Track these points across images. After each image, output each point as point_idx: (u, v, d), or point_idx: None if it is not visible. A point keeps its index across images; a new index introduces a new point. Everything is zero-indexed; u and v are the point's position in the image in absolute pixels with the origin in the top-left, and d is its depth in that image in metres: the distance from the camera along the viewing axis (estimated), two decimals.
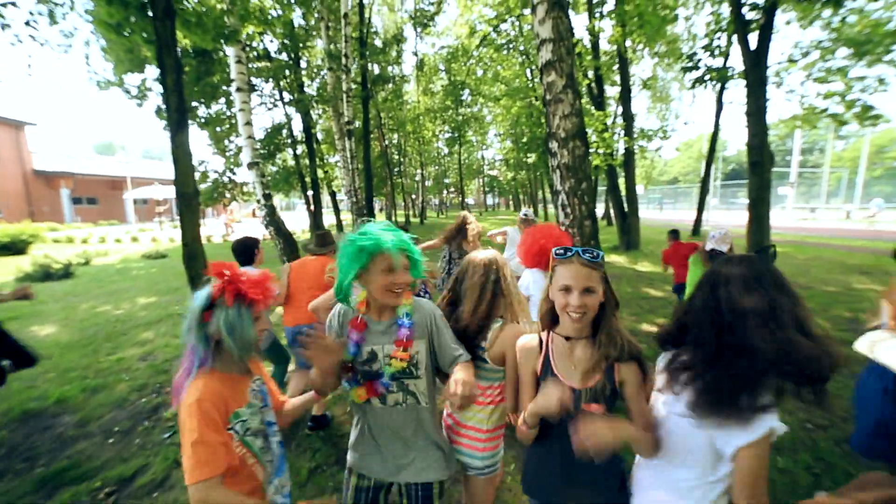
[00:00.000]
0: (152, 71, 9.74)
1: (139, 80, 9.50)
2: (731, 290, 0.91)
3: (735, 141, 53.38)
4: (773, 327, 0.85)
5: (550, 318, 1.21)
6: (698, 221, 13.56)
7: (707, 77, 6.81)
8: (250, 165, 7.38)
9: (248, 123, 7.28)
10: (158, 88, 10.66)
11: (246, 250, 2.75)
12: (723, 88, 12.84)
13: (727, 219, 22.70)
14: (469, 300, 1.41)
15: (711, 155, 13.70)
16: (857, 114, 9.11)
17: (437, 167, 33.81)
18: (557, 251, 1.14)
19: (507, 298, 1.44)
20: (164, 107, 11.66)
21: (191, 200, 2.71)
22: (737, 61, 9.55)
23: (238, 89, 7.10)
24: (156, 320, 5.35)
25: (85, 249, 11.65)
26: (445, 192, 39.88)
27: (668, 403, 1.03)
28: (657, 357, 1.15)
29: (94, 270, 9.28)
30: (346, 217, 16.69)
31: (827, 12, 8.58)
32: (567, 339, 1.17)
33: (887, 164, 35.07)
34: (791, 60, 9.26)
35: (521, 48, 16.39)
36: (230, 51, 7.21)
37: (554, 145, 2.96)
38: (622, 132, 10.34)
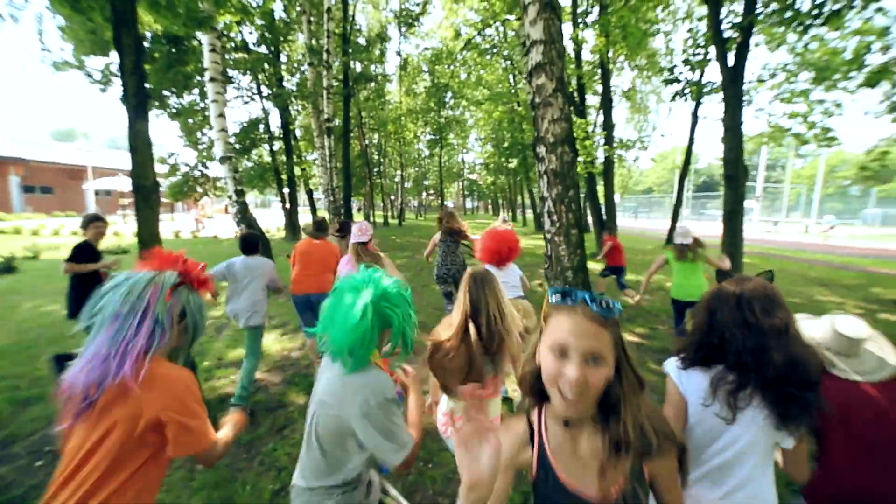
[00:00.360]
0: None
1: (103, 64, 8.94)
2: (755, 311, 1.07)
3: (706, 154, 55.92)
4: (792, 342, 1.03)
5: (537, 390, 0.82)
6: (672, 231, 13.94)
7: (687, 90, 6.98)
8: (223, 160, 7.01)
9: (222, 115, 6.92)
10: None
11: (249, 244, 3.20)
12: (698, 104, 13.31)
13: (698, 228, 23.54)
14: (504, 315, 1.65)
15: (686, 167, 14.15)
16: (817, 135, 9.73)
17: (416, 169, 33.63)
18: (555, 293, 0.78)
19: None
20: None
21: (149, 194, 2.46)
22: (713, 76, 9.93)
23: (211, 79, 6.73)
24: None
25: (35, 242, 10.78)
26: (425, 193, 39.70)
27: (737, 423, 1.07)
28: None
29: (43, 265, 8.57)
30: (323, 216, 16.29)
31: (792, 37, 9.11)
32: (566, 423, 0.82)
33: (838, 184, 37.72)
34: (760, 80, 9.75)
35: (506, 53, 16.51)
36: (204, 38, 6.84)
37: (542, 150, 2.88)
38: (602, 140, 10.52)
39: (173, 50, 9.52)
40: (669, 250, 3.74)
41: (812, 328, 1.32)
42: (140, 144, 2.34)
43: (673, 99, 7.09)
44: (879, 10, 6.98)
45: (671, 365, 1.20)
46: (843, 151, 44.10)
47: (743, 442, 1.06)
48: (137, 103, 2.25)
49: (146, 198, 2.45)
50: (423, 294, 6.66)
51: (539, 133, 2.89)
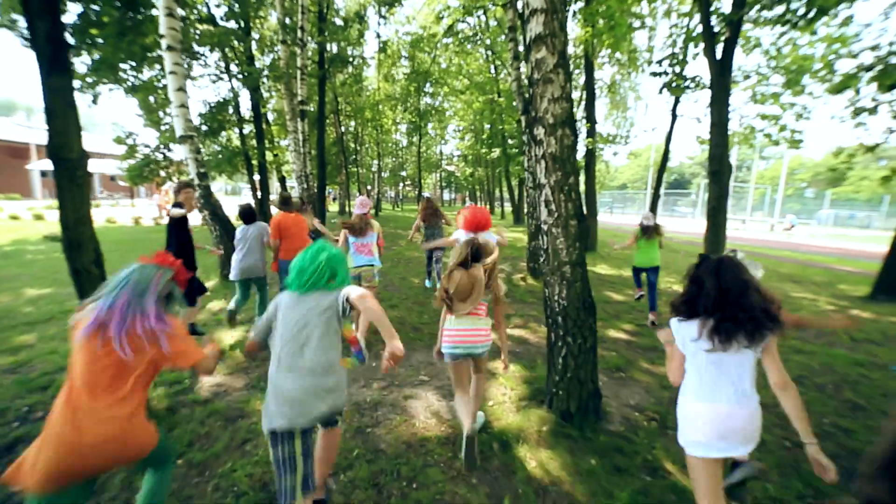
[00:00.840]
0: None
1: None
2: (726, 276, 1.52)
3: (677, 153, 57.79)
4: (751, 295, 1.49)
5: None
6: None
7: (675, 84, 6.90)
8: (182, 139, 6.38)
9: (181, 90, 6.27)
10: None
11: (247, 215, 4.14)
12: (677, 101, 13.45)
13: (670, 225, 24.26)
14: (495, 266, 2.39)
15: (664, 164, 14.32)
16: (786, 137, 10.04)
17: (394, 159, 32.90)
18: None
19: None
20: (74, 62, 9.79)
21: (75, 169, 2.01)
22: (695, 73, 9.98)
23: (169, 48, 6.06)
24: (44, 318, 4.35)
25: None
26: (402, 184, 39.00)
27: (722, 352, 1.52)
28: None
29: None
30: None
31: (766, 41, 9.31)
32: None
33: (796, 186, 39.91)
34: (734, 82, 9.91)
35: (487, 42, 16.15)
36: (159, 1, 6.14)
37: (539, 132, 2.61)
38: (585, 133, 10.42)
39: (127, 15, 8.62)
40: (639, 229, 4.97)
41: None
42: (59, 106, 1.88)
43: (660, 91, 7.00)
44: (846, 20, 7.16)
45: (673, 321, 1.65)
46: (800, 156, 46.66)
47: (728, 362, 1.52)
48: (53, 52, 1.80)
49: (71, 174, 2.00)
50: (402, 287, 6.34)
51: (537, 113, 2.61)
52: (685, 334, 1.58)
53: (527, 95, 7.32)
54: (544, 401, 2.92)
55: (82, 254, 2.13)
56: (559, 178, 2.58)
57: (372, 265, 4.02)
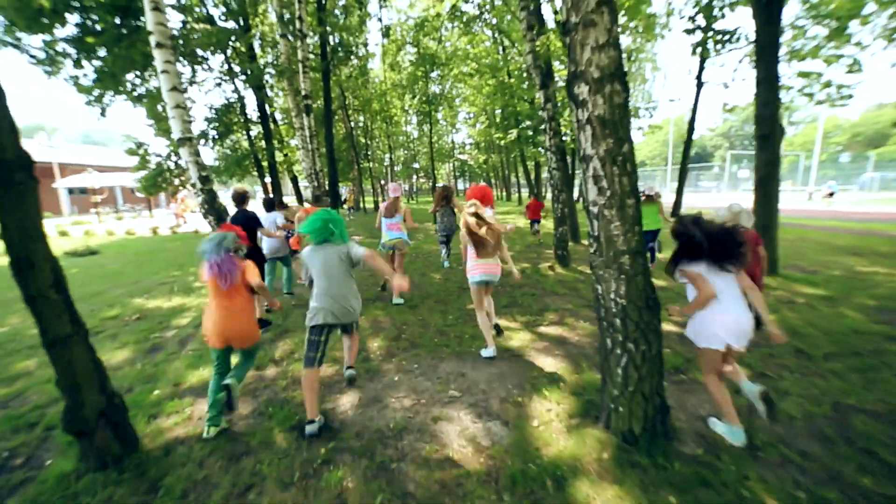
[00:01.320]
0: (62, 31, 8.02)
1: (45, 42, 7.82)
2: (706, 226, 2.16)
3: (698, 125, 55.28)
4: (732, 236, 2.13)
5: None
6: (678, 204, 13.35)
7: (708, 41, 6.13)
8: (181, 141, 6.04)
9: (175, 89, 5.92)
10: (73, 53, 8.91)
11: (269, 205, 5.35)
12: (702, 67, 12.47)
13: (693, 201, 23.02)
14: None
15: (690, 136, 13.42)
16: (830, 94, 8.98)
17: (405, 151, 32.42)
18: None
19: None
20: (79, 75, 9.58)
21: (10, 173, 1.63)
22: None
23: (158, 45, 5.69)
24: None
25: None
26: (415, 176, 38.53)
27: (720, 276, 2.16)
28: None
29: None
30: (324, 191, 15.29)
31: None
32: None
33: (830, 150, 37.44)
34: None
35: (494, 21, 15.32)
36: None
37: (582, 90, 2.07)
38: None
39: (120, 21, 8.38)
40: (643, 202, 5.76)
41: (720, 216, 2.86)
42: None
43: (693, 52, 6.24)
44: None
45: (691, 265, 2.22)
46: (836, 117, 43.67)
47: (729, 283, 2.16)
48: None
49: (6, 179, 1.62)
50: (422, 284, 5.90)
51: (578, 67, 2.08)
52: (700, 270, 2.16)
53: (544, 68, 6.69)
54: (599, 417, 2.44)
55: (36, 276, 1.74)
56: (610, 147, 2.05)
57: (401, 238, 4.95)
